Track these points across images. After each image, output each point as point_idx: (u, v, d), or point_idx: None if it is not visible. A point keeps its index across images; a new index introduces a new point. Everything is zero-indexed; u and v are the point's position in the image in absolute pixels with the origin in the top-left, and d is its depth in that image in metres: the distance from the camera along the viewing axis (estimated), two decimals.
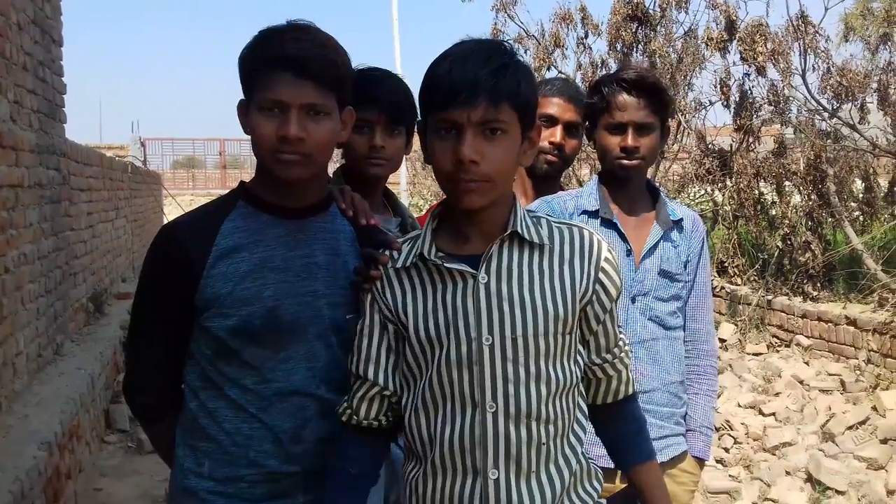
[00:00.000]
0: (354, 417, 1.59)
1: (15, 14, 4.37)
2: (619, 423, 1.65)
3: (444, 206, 1.58)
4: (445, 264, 1.49)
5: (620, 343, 1.62)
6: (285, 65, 1.52)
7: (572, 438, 1.54)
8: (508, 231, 1.50)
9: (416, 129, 1.59)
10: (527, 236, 1.50)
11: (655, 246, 2.18)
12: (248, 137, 1.60)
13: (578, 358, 1.56)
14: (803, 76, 7.82)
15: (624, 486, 1.75)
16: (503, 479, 1.47)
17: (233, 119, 1.66)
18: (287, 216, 1.65)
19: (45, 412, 3.98)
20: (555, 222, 1.57)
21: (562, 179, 2.72)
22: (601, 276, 1.54)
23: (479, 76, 1.40)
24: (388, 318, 1.55)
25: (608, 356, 1.60)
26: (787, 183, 8.12)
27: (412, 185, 17.45)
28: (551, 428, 1.49)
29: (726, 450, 5.04)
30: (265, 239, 1.63)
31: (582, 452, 1.57)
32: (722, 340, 7.12)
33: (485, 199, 1.46)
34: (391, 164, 2.14)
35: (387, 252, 1.58)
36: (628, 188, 2.22)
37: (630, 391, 1.64)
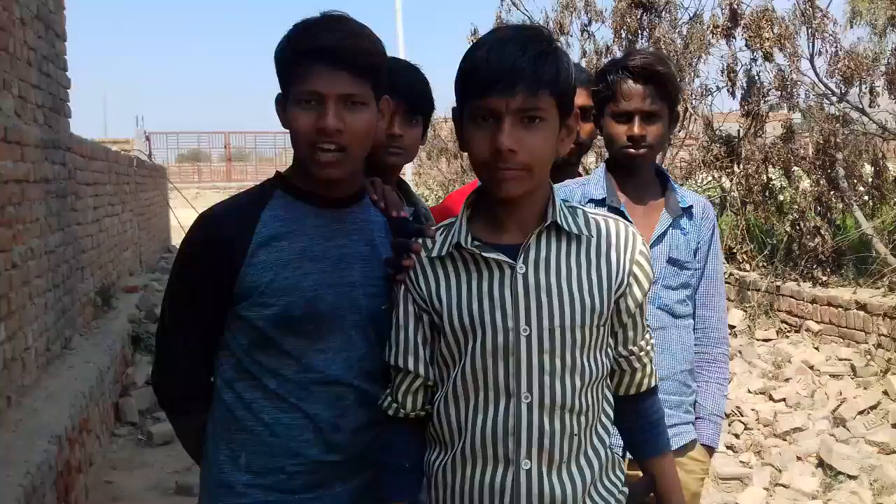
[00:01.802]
0: (402, 411, 1.59)
1: (18, 9, 4.36)
2: (639, 414, 1.66)
3: (479, 194, 1.56)
4: (483, 253, 1.48)
5: (647, 336, 1.63)
6: (320, 56, 1.51)
7: (600, 429, 1.55)
8: (548, 221, 1.49)
9: (450, 117, 1.56)
10: (566, 227, 1.50)
11: (664, 234, 2.16)
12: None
13: (608, 350, 1.57)
14: (811, 60, 7.76)
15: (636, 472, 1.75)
16: (535, 470, 1.47)
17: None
18: (325, 206, 1.65)
19: (55, 406, 4.00)
20: (591, 213, 1.57)
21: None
22: (636, 269, 1.54)
23: (518, 64, 1.39)
24: (422, 307, 1.55)
25: (635, 349, 1.60)
26: (795, 168, 8.07)
27: (418, 175, 17.40)
28: (583, 419, 1.50)
29: (737, 436, 5.02)
30: (304, 228, 1.62)
31: (609, 443, 1.58)
32: (731, 327, 7.09)
33: (522, 188, 1.45)
34: (408, 154, 2.17)
35: (420, 240, 1.58)
36: (636, 176, 2.20)
37: (652, 384, 1.65)
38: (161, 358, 1.75)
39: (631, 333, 1.59)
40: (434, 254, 1.54)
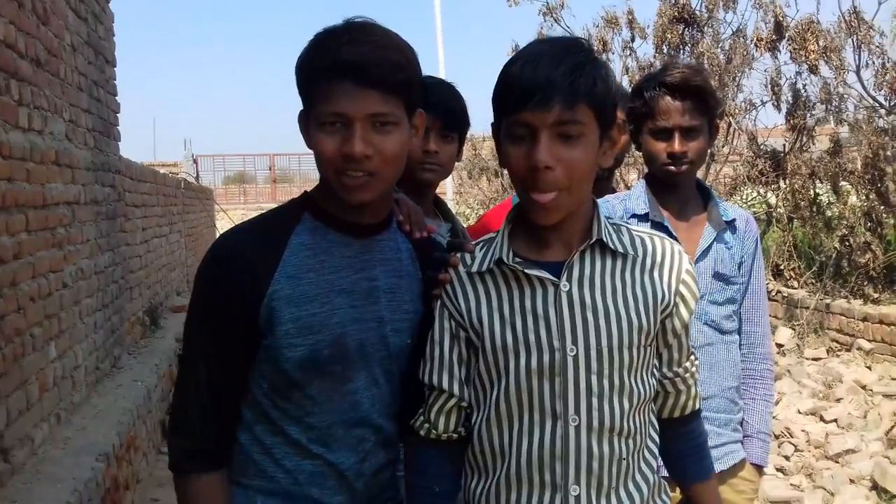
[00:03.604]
0: (433, 432, 1.53)
1: (69, 36, 4.50)
2: (683, 438, 1.61)
3: (520, 209, 1.52)
4: (525, 270, 1.43)
5: (692, 358, 1.58)
6: (344, 73, 1.35)
7: (647, 453, 1.50)
8: (593, 239, 1.45)
9: (491, 136, 1.53)
10: (610, 244, 1.46)
11: (709, 248, 2.13)
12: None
13: (654, 371, 1.52)
14: (858, 73, 7.62)
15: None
16: (584, 496, 1.42)
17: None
18: (355, 234, 1.50)
19: (103, 424, 4.06)
20: (635, 231, 1.52)
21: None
22: (682, 288, 1.50)
23: (553, 76, 1.34)
24: (459, 324, 1.49)
25: (680, 370, 1.56)
26: (843, 183, 7.91)
27: (459, 193, 17.45)
28: (631, 442, 1.45)
29: (787, 458, 4.89)
30: (332, 259, 1.48)
31: (656, 467, 1.53)
32: (779, 345, 6.94)
33: (563, 212, 1.41)
34: (443, 170, 2.17)
35: (458, 254, 1.52)
36: (678, 191, 2.17)
37: (696, 406, 1.60)
38: (175, 402, 1.51)
39: (676, 355, 1.54)
40: (474, 269, 1.49)
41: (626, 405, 1.43)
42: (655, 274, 1.47)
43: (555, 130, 1.36)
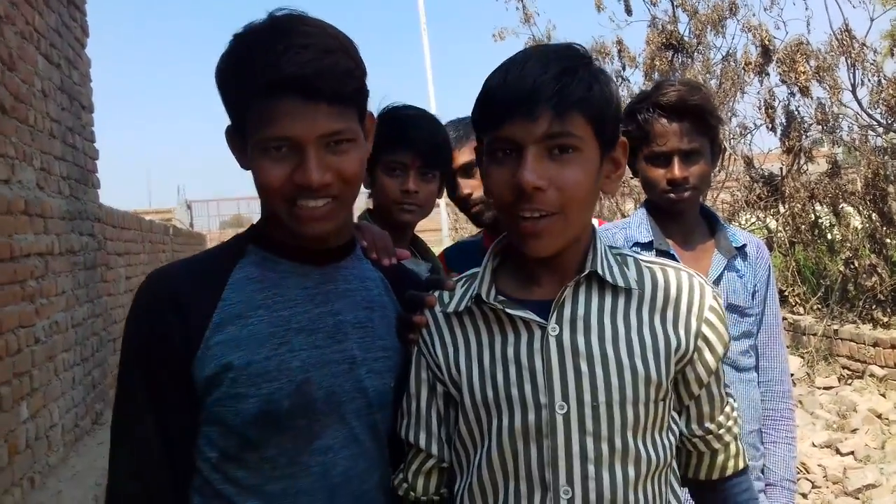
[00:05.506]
0: (412, 494, 1.33)
1: (39, 82, 4.35)
2: (727, 503, 1.35)
3: (509, 240, 1.30)
4: (507, 310, 1.21)
5: (728, 409, 1.32)
6: (287, 89, 1.12)
7: None
8: (586, 271, 1.22)
9: (475, 155, 1.32)
10: (609, 278, 1.23)
11: (719, 278, 1.94)
12: None
13: (674, 427, 1.27)
14: (853, 92, 7.50)
15: None
16: None
17: None
18: (313, 262, 1.29)
19: (80, 486, 3.84)
20: (644, 262, 1.29)
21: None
22: (705, 329, 1.25)
23: (540, 82, 1.14)
24: (436, 376, 1.29)
25: (713, 426, 1.30)
26: (843, 204, 7.75)
27: (454, 230, 17.29)
28: None
29: (804, 496, 4.64)
30: (286, 291, 1.25)
31: None
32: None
33: (556, 242, 1.19)
34: (423, 210, 1.98)
35: (436, 293, 1.31)
36: (682, 218, 1.99)
37: (741, 465, 1.34)
38: (110, 483, 1.24)
39: (706, 408, 1.29)
40: (451, 308, 1.28)
41: (632, 473, 1.18)
42: (669, 313, 1.24)
43: (544, 145, 1.15)
